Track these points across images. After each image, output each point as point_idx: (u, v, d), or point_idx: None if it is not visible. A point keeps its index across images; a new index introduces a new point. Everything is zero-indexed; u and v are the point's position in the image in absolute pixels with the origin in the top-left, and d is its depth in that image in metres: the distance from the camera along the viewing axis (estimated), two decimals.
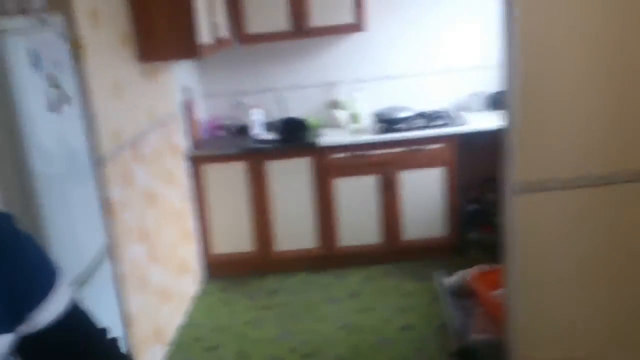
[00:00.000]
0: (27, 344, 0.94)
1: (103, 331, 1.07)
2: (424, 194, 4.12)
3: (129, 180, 2.99)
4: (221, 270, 4.20)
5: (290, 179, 4.08)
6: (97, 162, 2.65)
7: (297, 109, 4.43)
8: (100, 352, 1.05)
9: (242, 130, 4.26)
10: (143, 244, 3.13)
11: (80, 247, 2.49)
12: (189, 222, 3.97)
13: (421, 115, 4.22)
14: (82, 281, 2.43)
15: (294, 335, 3.49)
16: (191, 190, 4.02)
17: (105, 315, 2.65)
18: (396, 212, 4.13)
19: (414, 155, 4.04)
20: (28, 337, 0.94)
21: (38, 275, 0.95)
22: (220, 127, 4.40)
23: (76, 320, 1.01)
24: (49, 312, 0.95)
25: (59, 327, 0.97)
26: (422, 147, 4.03)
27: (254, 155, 4.03)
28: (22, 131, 2.13)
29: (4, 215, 0.96)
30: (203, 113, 4.37)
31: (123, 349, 1.09)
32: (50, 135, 2.33)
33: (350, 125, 4.25)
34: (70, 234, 2.40)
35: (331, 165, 4.05)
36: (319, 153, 4.03)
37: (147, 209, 3.23)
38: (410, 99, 4.40)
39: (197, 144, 4.15)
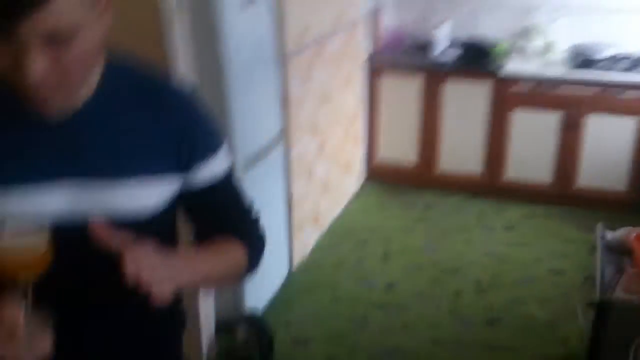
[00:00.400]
0: (183, 196, 1.08)
1: (249, 207, 1.18)
2: (610, 142, 3.88)
3: (307, 77, 3.24)
4: (382, 176, 4.41)
5: (465, 103, 4.06)
6: (282, 56, 2.92)
7: (486, 31, 4.30)
8: (244, 223, 1.17)
9: (425, 46, 4.28)
10: (313, 138, 3.42)
11: (257, 131, 2.82)
12: (359, 126, 4.18)
13: (626, 57, 3.89)
14: (255, 160, 2.77)
15: (439, 251, 3.64)
16: (365, 97, 4.19)
17: (271, 193, 3.02)
18: (574, 156, 3.95)
19: (608, 99, 3.78)
20: (185, 191, 1.07)
21: (208, 136, 1.08)
22: (404, 40, 4.43)
23: (229, 188, 1.13)
24: (209, 171, 1.07)
25: (215, 189, 1.09)
26: (619, 92, 3.75)
27: (432, 74, 4.05)
28: (219, 24, 2.44)
29: (187, 89, 1.12)
30: (389, 23, 4.43)
31: (262, 229, 1.21)
32: (242, 28, 2.62)
33: (541, 55, 4.05)
34: (250, 116, 2.73)
35: (512, 95, 3.95)
36: (501, 81, 3.94)
37: (321, 107, 3.49)
38: (617, 38, 4.04)
39: (378, 53, 4.26)
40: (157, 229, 1.04)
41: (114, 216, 0.97)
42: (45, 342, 0.88)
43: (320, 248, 3.64)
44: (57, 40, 0.80)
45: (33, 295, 0.86)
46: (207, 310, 2.62)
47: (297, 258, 3.39)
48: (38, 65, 0.79)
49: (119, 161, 0.99)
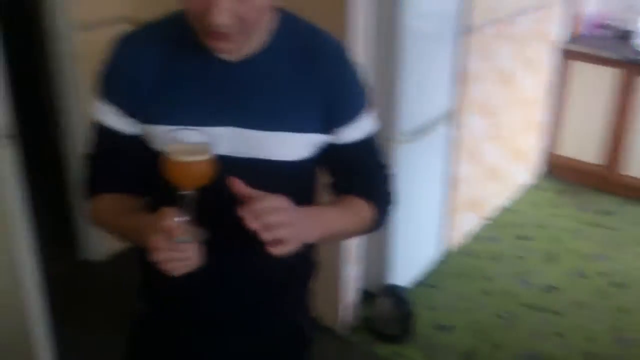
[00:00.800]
0: (328, 150, 1.17)
1: (384, 164, 1.26)
2: None
3: (487, 55, 3.08)
4: (559, 172, 4.09)
5: None
6: (463, 30, 2.79)
7: None
8: (377, 179, 1.24)
9: (625, 36, 3.84)
10: (484, 119, 3.26)
11: (424, 105, 2.75)
12: (538, 113, 3.90)
13: None
14: (419, 134, 2.71)
15: (610, 261, 3.31)
16: (551, 83, 3.89)
17: (431, 171, 2.94)
18: None
19: None
20: (331, 145, 1.17)
21: (356, 97, 1.17)
22: (603, 26, 4.02)
23: (369, 146, 1.21)
24: (353, 131, 1.16)
25: (355, 146, 1.17)
26: None
27: (631, 67, 3.63)
28: None
29: (344, 46, 1.17)
30: (590, 6, 4.04)
31: (393, 187, 1.27)
32: None
33: None
34: (418, 89, 2.67)
35: None
36: None
37: (498, 88, 3.30)
38: None
39: (574, 37, 3.91)
40: (299, 175, 1.15)
41: (261, 162, 1.09)
42: (196, 254, 0.96)
43: (477, 236, 3.49)
44: None
45: (193, 208, 0.95)
46: (351, 278, 2.64)
47: (451, 242, 3.28)
48: (223, 11, 0.95)
49: (272, 114, 1.09)
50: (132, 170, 1.10)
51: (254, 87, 1.08)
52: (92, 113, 1.13)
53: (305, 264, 1.29)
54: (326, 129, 1.14)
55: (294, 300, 1.31)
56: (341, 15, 2.18)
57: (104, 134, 1.12)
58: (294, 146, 1.11)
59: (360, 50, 2.26)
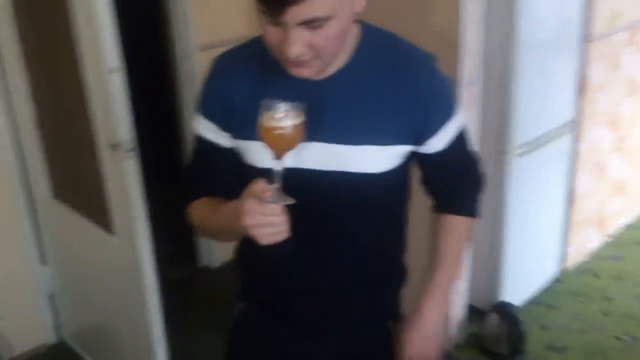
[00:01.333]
0: (421, 158, 1.20)
1: (476, 161, 1.30)
2: None
3: (614, 63, 2.89)
4: None
5: None
6: (586, 38, 2.64)
7: None
8: (471, 177, 1.30)
9: None
10: (611, 130, 3.06)
11: (542, 116, 2.63)
12: None
13: None
14: (536, 147, 2.60)
15: None
16: None
17: (549, 185, 2.82)
18: None
19: None
20: (419, 154, 1.19)
21: (443, 106, 1.16)
22: None
23: (458, 151, 1.23)
24: (441, 140, 1.17)
25: (444, 154, 1.19)
26: None
27: None
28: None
29: (430, 56, 1.17)
30: None
31: (482, 170, 1.31)
32: (544, 6, 2.43)
33: None
34: (536, 99, 2.56)
35: None
36: None
37: (627, 97, 3.08)
38: None
39: None
40: (387, 187, 1.16)
41: (348, 175, 1.11)
42: (284, 222, 0.99)
43: (600, 254, 3.28)
44: (312, 25, 0.97)
45: (281, 174, 1.01)
46: (458, 293, 2.58)
47: (571, 260, 3.11)
48: (296, 43, 0.98)
49: (357, 128, 1.11)
50: (226, 180, 1.16)
51: (339, 102, 1.11)
52: (193, 126, 1.21)
53: (394, 270, 1.32)
54: (412, 139, 1.15)
55: (385, 306, 1.33)
56: (451, 18, 2.13)
57: (202, 146, 1.20)
58: (379, 159, 1.12)
59: (473, 58, 2.20)
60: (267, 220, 0.98)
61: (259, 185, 0.98)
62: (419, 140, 1.16)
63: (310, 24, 0.97)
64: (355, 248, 1.21)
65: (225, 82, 1.15)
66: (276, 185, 1.01)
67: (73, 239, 2.45)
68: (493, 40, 2.38)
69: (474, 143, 2.21)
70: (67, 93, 2.15)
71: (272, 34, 1.00)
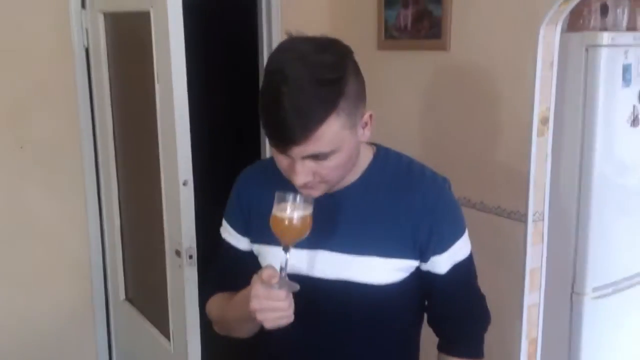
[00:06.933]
0: (426, 280, 1.21)
1: (482, 297, 1.28)
2: None
3: None
4: None
5: None
6: None
7: None
8: (475, 312, 1.27)
9: None
10: None
11: (625, 258, 2.49)
12: None
13: None
14: (616, 289, 2.45)
15: None
16: None
17: (630, 330, 2.59)
18: None
19: None
20: (424, 272, 1.20)
21: (448, 228, 1.19)
22: None
23: (462, 275, 1.22)
24: (446, 261, 1.18)
25: (449, 277, 1.19)
26: None
27: None
28: (598, 142, 2.30)
29: (441, 178, 1.22)
30: None
31: (487, 307, 1.28)
32: (627, 148, 2.40)
33: None
34: (618, 241, 2.44)
35: None
36: None
37: None
38: None
39: None
40: (390, 299, 1.18)
41: (351, 285, 1.16)
42: (290, 308, 1.04)
43: None
44: (319, 158, 1.05)
45: (287, 263, 1.08)
46: None
47: None
48: (302, 173, 1.06)
49: (362, 240, 1.16)
50: (242, 279, 1.19)
51: (347, 214, 1.17)
52: (220, 231, 1.33)
53: None
54: (417, 255, 1.17)
55: None
56: (521, 156, 2.12)
57: (225, 247, 1.31)
58: (382, 270, 1.16)
59: (540, 193, 2.16)
60: (273, 305, 1.03)
61: (267, 271, 1.05)
62: (423, 256, 1.18)
63: (315, 157, 1.04)
64: (362, 359, 1.23)
65: (245, 194, 1.27)
66: (283, 273, 1.07)
67: (138, 342, 2.52)
68: (565, 177, 2.35)
69: (541, 280, 2.17)
70: (146, 200, 2.33)
71: (282, 162, 1.08)
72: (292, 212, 1.06)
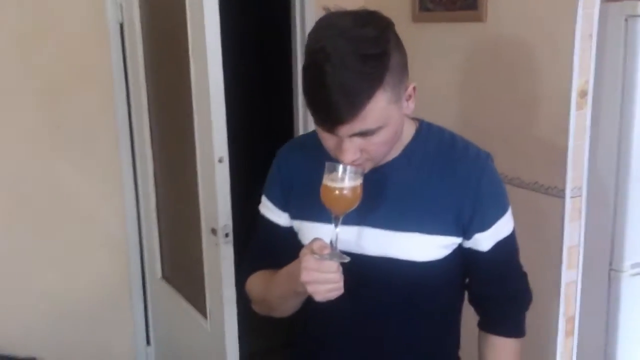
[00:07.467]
0: (469, 257, 1.20)
1: (523, 275, 1.28)
2: None
3: None
4: None
5: None
6: None
7: None
8: (517, 291, 1.27)
9: None
10: None
11: None
12: None
13: None
14: None
15: None
16: None
17: None
18: None
19: None
20: (466, 249, 1.19)
21: (492, 206, 1.17)
22: None
23: (505, 252, 1.21)
24: (489, 238, 1.17)
25: (491, 254, 1.19)
26: None
27: None
28: (637, 115, 2.20)
29: (485, 153, 1.20)
30: None
31: (529, 285, 1.28)
32: None
33: None
34: None
35: None
36: None
37: None
38: None
39: None
40: (432, 276, 1.17)
41: (392, 262, 1.15)
42: (339, 280, 1.03)
43: None
44: (366, 134, 1.03)
45: (337, 235, 1.07)
46: None
47: None
48: (349, 151, 1.04)
49: (404, 216, 1.15)
50: (283, 257, 1.19)
51: (388, 190, 1.16)
52: (259, 207, 1.32)
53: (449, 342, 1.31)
54: (459, 232, 1.16)
55: None
56: (559, 132, 2.09)
57: (264, 224, 1.30)
58: (424, 247, 1.14)
59: (578, 169, 2.12)
60: (324, 277, 1.02)
61: (317, 243, 1.04)
62: (466, 233, 1.17)
63: (362, 135, 1.03)
64: (405, 336, 1.22)
65: (285, 169, 1.26)
66: (333, 244, 1.06)
67: (174, 320, 2.56)
68: (603, 152, 2.30)
69: (579, 256, 2.13)
70: (181, 178, 2.34)
71: (327, 140, 1.07)
72: (343, 181, 1.05)
